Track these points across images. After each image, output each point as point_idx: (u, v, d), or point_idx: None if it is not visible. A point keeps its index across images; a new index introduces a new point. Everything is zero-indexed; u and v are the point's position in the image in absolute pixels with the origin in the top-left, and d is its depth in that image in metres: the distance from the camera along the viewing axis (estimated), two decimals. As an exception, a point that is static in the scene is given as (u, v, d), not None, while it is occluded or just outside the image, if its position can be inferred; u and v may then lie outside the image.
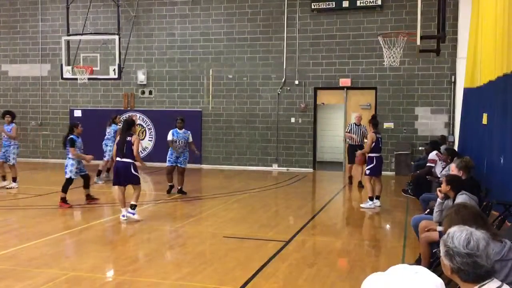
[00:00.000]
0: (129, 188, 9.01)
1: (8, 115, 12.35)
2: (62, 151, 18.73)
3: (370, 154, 10.44)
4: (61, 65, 16.07)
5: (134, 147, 8.65)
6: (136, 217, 8.78)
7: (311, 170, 16.81)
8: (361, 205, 10.45)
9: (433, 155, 10.13)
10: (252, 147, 17.30)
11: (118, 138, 9.18)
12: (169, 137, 11.56)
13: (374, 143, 10.39)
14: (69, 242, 7.61)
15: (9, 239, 7.42)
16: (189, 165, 15.93)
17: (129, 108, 18.10)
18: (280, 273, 6.05)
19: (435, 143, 10.96)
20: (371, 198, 10.36)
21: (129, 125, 8.93)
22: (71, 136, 9.97)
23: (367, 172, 10.41)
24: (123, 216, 8.73)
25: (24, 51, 19.09)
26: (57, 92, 18.85)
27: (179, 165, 11.54)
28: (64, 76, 16.15)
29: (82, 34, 16.57)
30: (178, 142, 11.45)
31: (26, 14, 19.03)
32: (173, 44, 17.80)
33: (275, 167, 17.05)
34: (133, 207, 8.80)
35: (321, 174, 16.64)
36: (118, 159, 8.79)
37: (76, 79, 15.84)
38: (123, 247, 7.39)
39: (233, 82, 17.39)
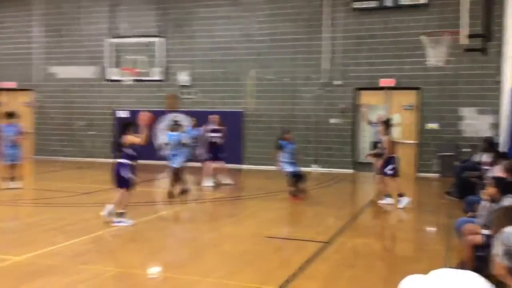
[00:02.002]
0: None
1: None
2: (108, 150, 19.29)
3: (390, 155, 10.51)
4: (107, 67, 16.51)
5: (135, 141, 8.34)
6: (124, 224, 8.24)
7: (351, 171, 16.65)
8: (379, 202, 10.56)
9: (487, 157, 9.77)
10: (293, 148, 17.27)
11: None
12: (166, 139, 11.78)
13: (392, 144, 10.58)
14: (114, 239, 7.81)
15: (56, 236, 7.68)
16: (230, 165, 16.05)
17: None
18: (320, 274, 6.04)
19: (492, 144, 10.64)
20: (400, 195, 10.35)
21: (125, 127, 8.68)
22: (279, 141, 11.38)
23: (390, 172, 10.42)
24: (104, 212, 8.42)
25: (72, 54, 19.70)
26: (102, 94, 19.36)
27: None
28: (109, 78, 16.59)
29: (126, 37, 16.99)
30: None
31: (72, 18, 19.64)
32: (215, 46, 18.00)
33: (314, 168, 16.97)
34: (118, 215, 8.26)
35: (361, 175, 16.44)
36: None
37: (121, 80, 16.24)
38: (166, 245, 7.54)
39: (274, 83, 17.43)
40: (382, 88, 16.30)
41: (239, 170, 17.10)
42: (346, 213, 10.16)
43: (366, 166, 17.68)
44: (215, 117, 13.29)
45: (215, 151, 12.91)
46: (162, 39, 15.76)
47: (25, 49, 20.25)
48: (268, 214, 9.82)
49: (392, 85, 16.13)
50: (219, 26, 17.95)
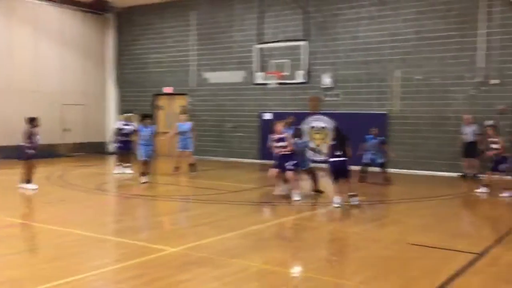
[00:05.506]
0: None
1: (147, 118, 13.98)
2: (254, 151, 20.09)
3: None
4: (254, 72, 17.22)
5: (25, 134, 11.92)
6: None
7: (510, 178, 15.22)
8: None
9: None
10: (442, 152, 16.36)
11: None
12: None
13: None
14: (259, 236, 8.13)
15: (207, 230, 8.21)
16: (375, 169, 15.67)
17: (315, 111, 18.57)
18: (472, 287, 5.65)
19: None
20: None
21: (31, 121, 12.04)
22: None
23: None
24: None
25: (223, 60, 20.88)
26: (249, 97, 20.22)
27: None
28: (256, 82, 17.29)
29: (272, 42, 17.56)
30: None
31: (224, 26, 20.81)
32: (359, 47, 17.75)
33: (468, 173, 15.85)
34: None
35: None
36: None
37: (267, 84, 16.84)
38: (308, 246, 7.63)
39: (421, 83, 16.68)
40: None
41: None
42: (504, 223, 9.35)
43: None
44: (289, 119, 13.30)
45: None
46: (305, 42, 16.01)
47: (182, 57, 21.98)
48: (414, 220, 9.42)
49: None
50: (362, 27, 17.68)
